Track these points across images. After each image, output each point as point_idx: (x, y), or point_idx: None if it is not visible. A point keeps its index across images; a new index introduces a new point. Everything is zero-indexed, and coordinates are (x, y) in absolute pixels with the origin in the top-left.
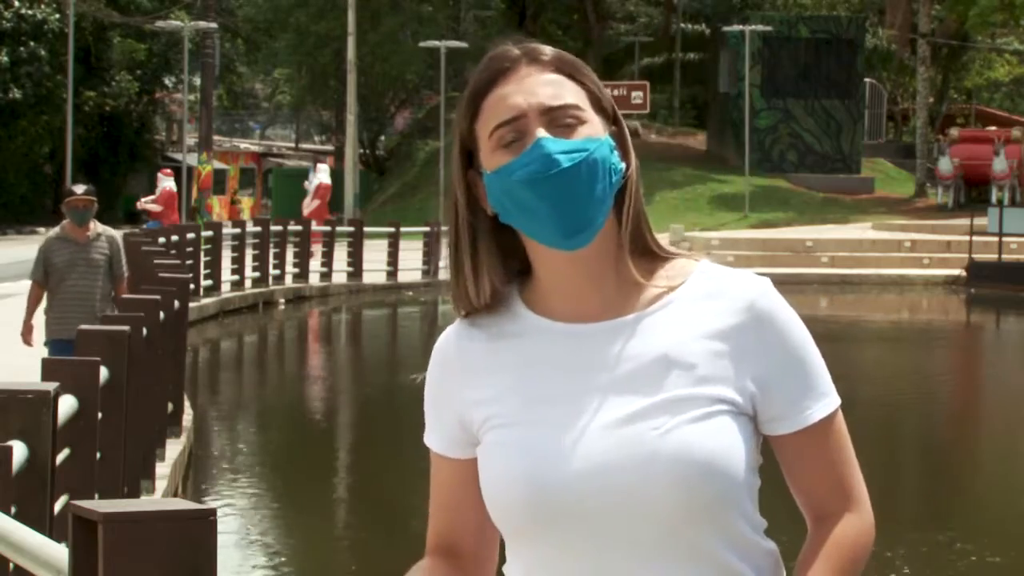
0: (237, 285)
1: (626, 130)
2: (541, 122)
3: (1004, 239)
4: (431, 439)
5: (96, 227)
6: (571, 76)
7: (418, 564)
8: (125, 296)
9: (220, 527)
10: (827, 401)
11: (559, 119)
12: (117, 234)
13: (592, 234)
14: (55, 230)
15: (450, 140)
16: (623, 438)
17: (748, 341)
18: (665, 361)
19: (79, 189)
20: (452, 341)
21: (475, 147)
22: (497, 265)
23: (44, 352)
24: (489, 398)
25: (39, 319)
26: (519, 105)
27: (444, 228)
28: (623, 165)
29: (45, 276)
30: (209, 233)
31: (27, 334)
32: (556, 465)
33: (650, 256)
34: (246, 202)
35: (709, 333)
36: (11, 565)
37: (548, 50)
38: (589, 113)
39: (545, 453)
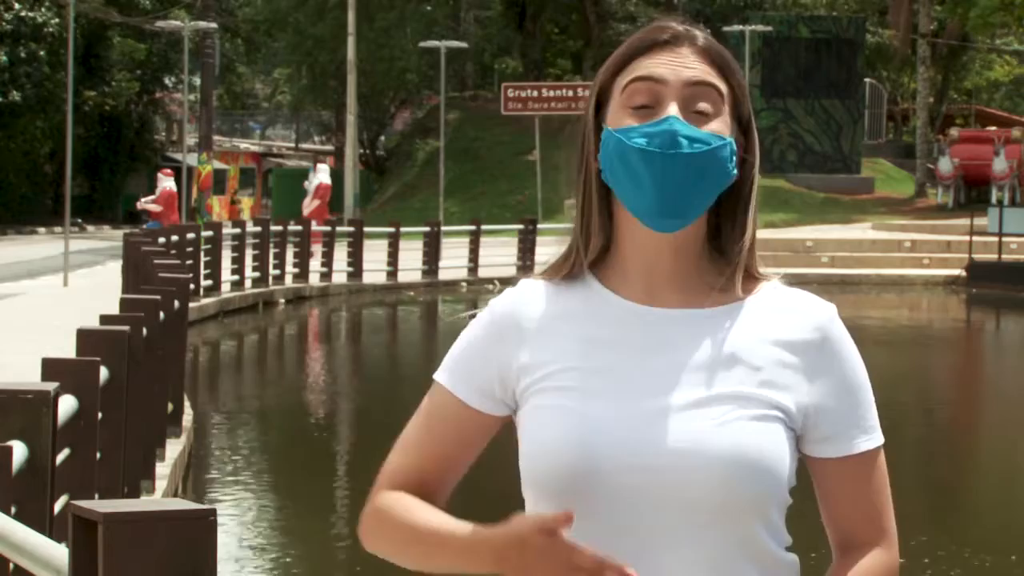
0: (237, 285)
1: (756, 144)
2: (680, 94)
3: (1004, 239)
4: (456, 383)
5: None
6: (723, 73)
7: (390, 496)
8: (125, 296)
9: (220, 527)
10: (875, 435)
11: (697, 98)
12: None
13: (684, 223)
14: None
15: (450, 140)
16: (679, 423)
17: (813, 359)
18: (732, 358)
19: None
20: (518, 299)
21: (606, 101)
22: (606, 221)
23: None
24: (543, 361)
25: None
26: (663, 72)
27: (434, 227)
28: (735, 173)
29: None
30: (209, 233)
31: None
32: (610, 437)
33: (745, 271)
34: (246, 202)
35: (778, 342)
36: (11, 565)
37: (711, 41)
38: (725, 110)
39: (601, 424)
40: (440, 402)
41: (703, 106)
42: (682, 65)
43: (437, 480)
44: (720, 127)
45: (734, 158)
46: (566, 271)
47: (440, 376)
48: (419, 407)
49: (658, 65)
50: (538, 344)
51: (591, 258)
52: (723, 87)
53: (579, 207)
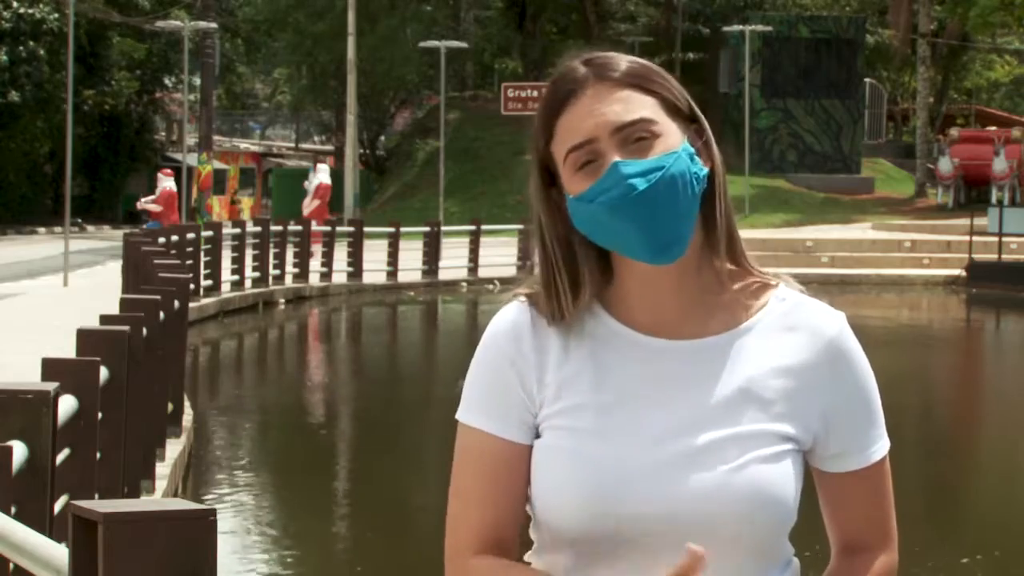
0: (237, 285)
1: (707, 126)
2: (614, 141)
3: (1004, 239)
4: (486, 421)
5: None
6: (641, 87)
7: (486, 566)
8: (125, 296)
9: (220, 527)
10: (883, 442)
11: (632, 135)
12: None
13: (683, 248)
14: None
15: (450, 140)
16: (696, 470)
17: (822, 378)
18: (743, 394)
19: None
20: (526, 319)
21: (553, 167)
22: (597, 279)
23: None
24: (556, 393)
25: None
26: (589, 129)
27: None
28: (705, 170)
29: None
30: (209, 233)
31: None
32: (623, 485)
33: (734, 265)
34: (246, 202)
35: (785, 368)
36: (11, 565)
37: (615, 63)
38: (663, 124)
39: (613, 471)
40: (482, 449)
41: (641, 134)
42: (601, 110)
43: (512, 524)
44: (666, 144)
45: (696, 158)
46: (552, 317)
47: (472, 419)
48: (460, 453)
49: (581, 120)
50: (551, 370)
51: (563, 317)
52: (649, 105)
53: (543, 273)
